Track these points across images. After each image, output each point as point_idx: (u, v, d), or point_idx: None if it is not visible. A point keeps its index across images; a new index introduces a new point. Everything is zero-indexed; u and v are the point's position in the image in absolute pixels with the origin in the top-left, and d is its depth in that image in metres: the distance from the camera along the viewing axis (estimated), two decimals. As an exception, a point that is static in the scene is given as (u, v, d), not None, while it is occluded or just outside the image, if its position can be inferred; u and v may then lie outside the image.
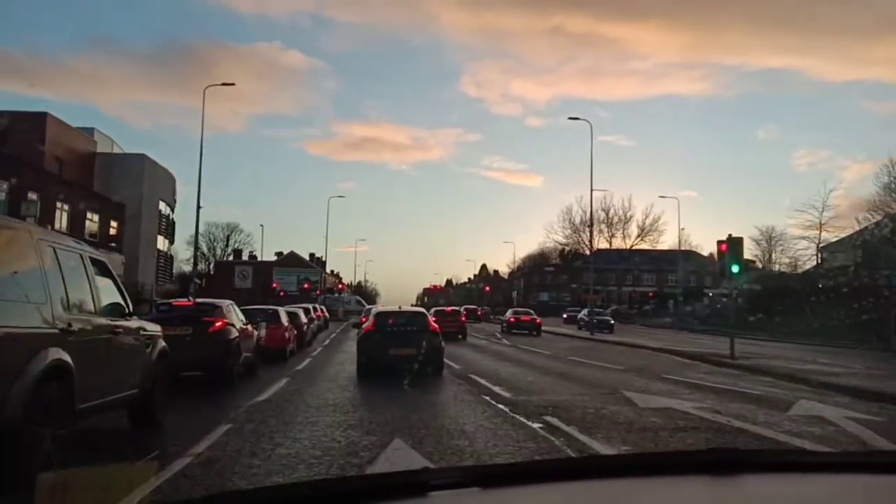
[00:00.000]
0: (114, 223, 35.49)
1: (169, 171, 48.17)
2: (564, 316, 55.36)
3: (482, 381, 13.22)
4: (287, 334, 19.84)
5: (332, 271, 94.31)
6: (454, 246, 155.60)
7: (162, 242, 48.12)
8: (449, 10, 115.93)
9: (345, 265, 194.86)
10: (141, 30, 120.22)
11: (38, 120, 37.00)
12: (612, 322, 43.77)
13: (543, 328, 41.69)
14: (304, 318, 25.44)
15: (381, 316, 15.90)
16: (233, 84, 33.06)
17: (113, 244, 34.77)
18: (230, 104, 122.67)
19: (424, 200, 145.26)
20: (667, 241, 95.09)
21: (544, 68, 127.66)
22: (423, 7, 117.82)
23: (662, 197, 60.82)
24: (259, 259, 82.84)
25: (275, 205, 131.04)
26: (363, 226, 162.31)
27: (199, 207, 33.27)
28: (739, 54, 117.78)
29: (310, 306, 33.05)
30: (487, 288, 69.42)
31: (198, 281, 33.95)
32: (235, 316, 14.05)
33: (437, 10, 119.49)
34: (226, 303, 14.35)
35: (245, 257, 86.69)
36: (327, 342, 28.60)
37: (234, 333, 13.12)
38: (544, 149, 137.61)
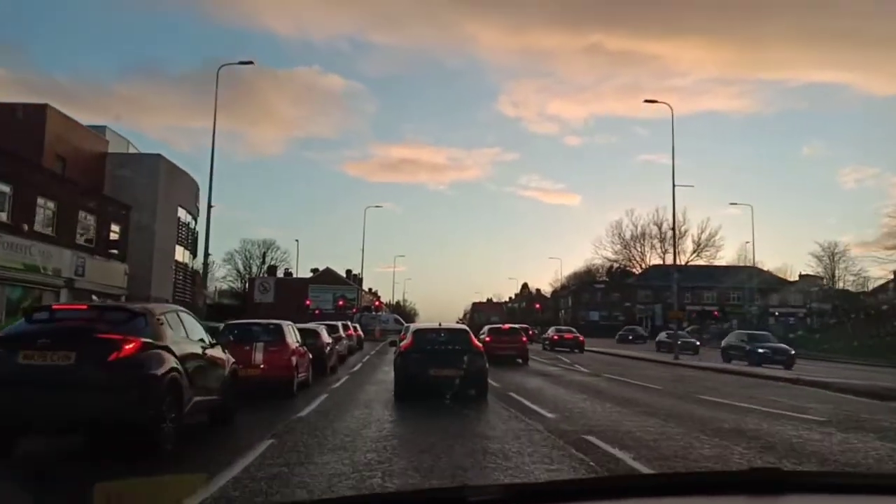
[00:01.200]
0: (115, 226, 30.01)
1: (191, 176, 42.91)
2: (664, 336, 40.23)
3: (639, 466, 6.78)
4: (294, 359, 13.68)
5: (369, 289, 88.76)
6: (494, 265, 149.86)
7: (182, 254, 42.76)
8: (486, 31, 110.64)
9: (383, 286, 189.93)
10: (185, 56, 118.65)
11: (36, 112, 31.96)
12: (793, 352, 28.90)
13: (618, 353, 35.07)
14: (325, 338, 19.30)
15: (421, 333, 14.17)
16: (251, 62, 27.63)
17: (113, 250, 29.29)
18: (272, 128, 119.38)
19: (462, 220, 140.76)
20: (724, 257, 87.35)
21: (582, 86, 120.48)
22: (460, 28, 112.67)
23: (734, 204, 53.29)
24: (294, 276, 77.73)
25: (314, 226, 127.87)
26: (401, 246, 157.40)
27: (209, 206, 27.66)
28: (782, 70, 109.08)
29: (338, 324, 27.01)
30: (538, 305, 62.80)
31: (208, 293, 28.12)
32: (179, 331, 7.90)
33: (474, 30, 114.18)
34: (163, 308, 8.21)
35: (280, 274, 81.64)
36: (358, 367, 22.42)
37: (165, 364, 6.95)
38: (582, 167, 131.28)
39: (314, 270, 76.95)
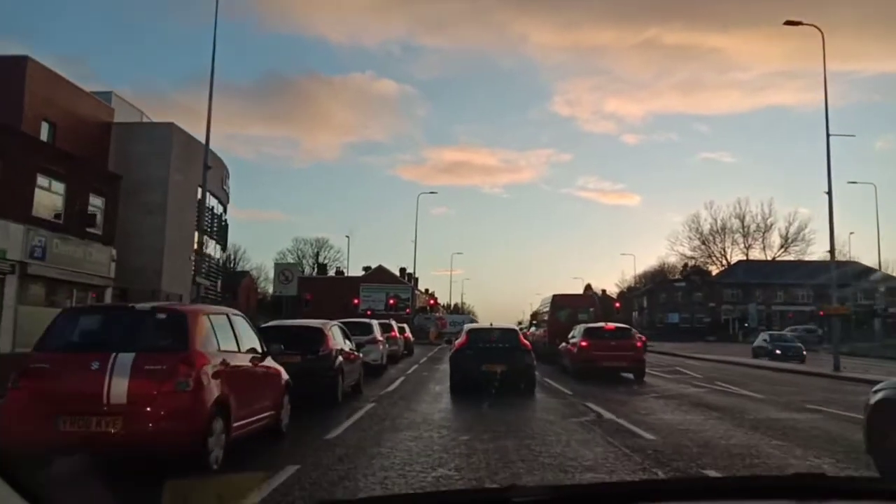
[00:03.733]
0: (96, 200, 23.01)
1: (215, 153, 35.99)
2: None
3: None
4: (212, 392, 5.74)
5: (426, 290, 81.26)
6: (553, 266, 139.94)
7: (206, 245, 35.78)
8: (536, 30, 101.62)
9: (440, 289, 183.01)
10: (241, 65, 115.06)
11: (14, 66, 25.44)
12: None
13: (735, 361, 26.34)
14: (334, 343, 11.43)
15: (474, 332, 14.63)
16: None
17: (90, 228, 22.27)
18: (327, 134, 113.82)
19: (519, 222, 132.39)
20: (815, 253, 75.86)
21: (639, 83, 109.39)
22: (512, 28, 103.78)
23: (852, 183, 43.44)
24: (346, 274, 71.12)
25: (368, 230, 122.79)
26: (457, 249, 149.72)
27: (206, 168, 20.29)
28: (851, 60, 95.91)
29: (372, 322, 19.26)
30: (618, 304, 53.80)
31: (205, 282, 20.76)
32: None
33: (525, 29, 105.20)
34: None
35: (332, 273, 75.22)
36: (395, 385, 14.54)
37: None
38: (641, 167, 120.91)
39: (366, 269, 69.95)
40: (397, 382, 15.39)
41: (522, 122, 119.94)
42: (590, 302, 24.88)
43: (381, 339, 18.47)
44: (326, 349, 11.03)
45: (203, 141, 35.14)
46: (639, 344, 16.91)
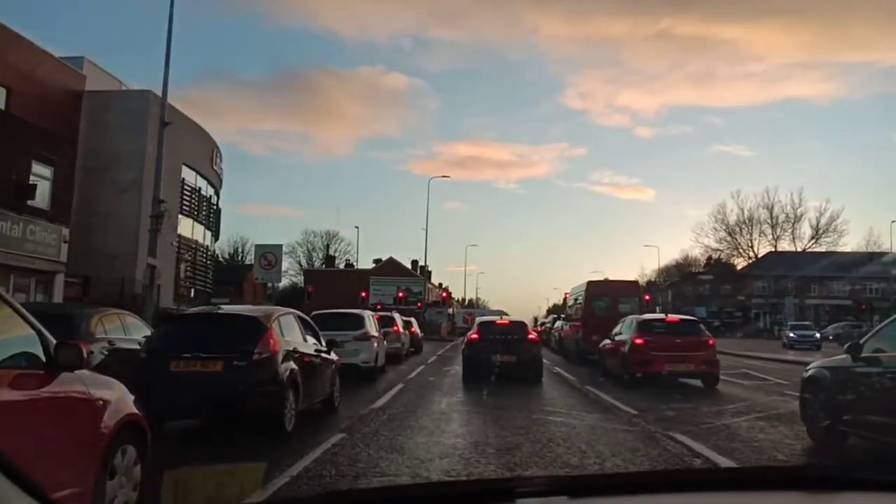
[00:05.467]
0: (42, 168, 18.93)
1: (202, 128, 32.18)
2: None
3: None
4: None
5: (439, 284, 77.20)
6: (568, 262, 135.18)
7: (192, 229, 31.98)
8: (548, 21, 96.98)
9: (454, 284, 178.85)
10: (251, 60, 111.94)
11: (-43, 18, 21.61)
12: None
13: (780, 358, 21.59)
14: (281, 342, 7.22)
15: (485, 325, 14.74)
16: None
17: (32, 202, 18.27)
18: (338, 129, 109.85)
19: (533, 217, 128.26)
20: (849, 244, 70.67)
21: (652, 75, 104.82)
22: (523, 20, 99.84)
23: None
24: (356, 267, 67.23)
25: (379, 225, 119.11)
26: (471, 244, 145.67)
27: (164, 123, 16.17)
28: (869, 50, 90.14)
29: (364, 314, 15.09)
30: (648, 297, 49.64)
31: (158, 263, 16.60)
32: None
33: (537, 22, 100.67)
34: None
35: (342, 266, 71.33)
36: (387, 399, 10.38)
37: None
38: (655, 161, 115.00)
39: (377, 261, 66.00)
40: (391, 392, 11.27)
41: (535, 115, 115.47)
42: (633, 289, 20.58)
43: (375, 334, 14.31)
44: (265, 350, 6.90)
45: (200, 126, 31.22)
46: (710, 342, 12.59)
